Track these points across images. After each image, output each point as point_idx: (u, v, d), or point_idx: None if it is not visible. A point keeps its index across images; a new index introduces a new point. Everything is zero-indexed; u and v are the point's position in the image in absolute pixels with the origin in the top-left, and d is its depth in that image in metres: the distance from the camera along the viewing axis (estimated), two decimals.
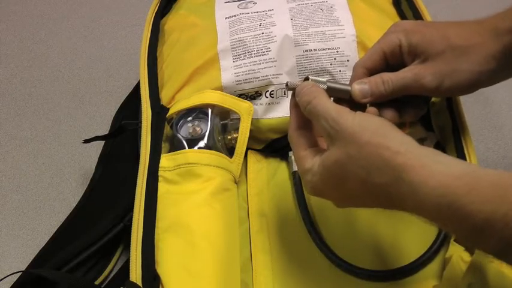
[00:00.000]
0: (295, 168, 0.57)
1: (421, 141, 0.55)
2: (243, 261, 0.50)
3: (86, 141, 0.61)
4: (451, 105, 0.55)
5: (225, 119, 0.55)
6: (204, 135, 0.52)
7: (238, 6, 0.59)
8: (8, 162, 0.70)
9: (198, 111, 0.53)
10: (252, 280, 0.49)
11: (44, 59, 0.84)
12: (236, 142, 0.53)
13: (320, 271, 0.49)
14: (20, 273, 0.54)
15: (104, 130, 0.72)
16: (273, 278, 0.50)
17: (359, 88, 0.45)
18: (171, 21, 0.62)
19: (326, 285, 0.49)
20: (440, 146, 0.55)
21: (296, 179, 0.56)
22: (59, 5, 0.94)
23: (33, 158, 0.70)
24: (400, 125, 0.54)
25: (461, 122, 0.54)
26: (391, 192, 0.35)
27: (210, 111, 0.53)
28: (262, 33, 0.56)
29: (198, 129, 0.52)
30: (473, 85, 0.45)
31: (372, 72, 0.47)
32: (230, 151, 0.54)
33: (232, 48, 0.55)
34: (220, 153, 0.51)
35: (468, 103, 0.76)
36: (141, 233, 0.46)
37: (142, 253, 0.45)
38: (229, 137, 0.53)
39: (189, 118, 0.53)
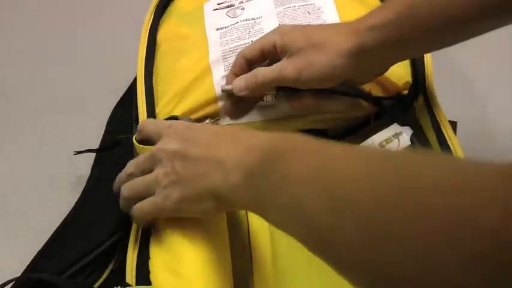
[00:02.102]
0: None
1: (397, 135, 0.56)
2: (244, 257, 0.50)
3: (78, 152, 0.61)
4: (428, 101, 0.57)
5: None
6: None
7: (227, 14, 0.59)
8: (8, 163, 0.70)
9: (169, 119, 0.51)
10: (253, 282, 0.49)
11: (44, 59, 0.84)
12: None
13: (319, 268, 0.49)
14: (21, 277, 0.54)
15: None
16: (274, 274, 0.50)
17: (236, 83, 0.52)
18: (161, 32, 0.62)
19: (325, 283, 0.49)
20: (416, 139, 0.56)
21: None
22: (59, 4, 0.94)
23: (33, 158, 0.70)
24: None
25: (439, 115, 0.55)
26: None
27: (179, 117, 0.51)
28: (252, 42, 0.56)
29: None
30: (328, 78, 0.50)
31: (250, 62, 0.53)
32: None
33: (224, 58, 0.56)
34: None
35: (468, 103, 0.76)
36: (138, 247, 0.46)
37: (137, 266, 0.45)
38: None
39: None
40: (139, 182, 0.46)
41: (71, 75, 0.82)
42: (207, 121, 0.52)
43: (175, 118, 0.50)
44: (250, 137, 0.40)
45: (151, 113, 0.56)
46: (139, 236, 0.48)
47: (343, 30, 0.49)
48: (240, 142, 0.40)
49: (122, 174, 0.48)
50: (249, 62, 0.53)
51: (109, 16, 0.92)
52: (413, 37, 0.47)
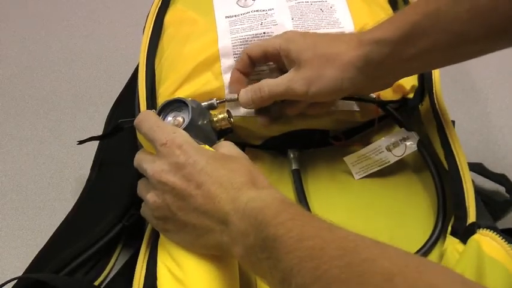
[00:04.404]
0: (294, 166, 0.57)
1: (403, 140, 0.56)
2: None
3: (81, 142, 0.61)
4: (434, 105, 0.57)
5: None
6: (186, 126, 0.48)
7: (237, 3, 0.59)
8: (8, 162, 0.70)
9: (175, 100, 0.50)
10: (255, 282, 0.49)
11: (44, 59, 0.84)
12: (224, 124, 0.50)
13: None
14: (19, 278, 0.54)
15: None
16: None
17: (243, 97, 0.52)
18: (168, 15, 0.62)
19: None
20: (422, 145, 0.56)
21: (296, 177, 0.56)
22: (59, 5, 0.94)
23: (33, 158, 0.70)
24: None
25: (445, 120, 0.55)
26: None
27: (186, 99, 0.50)
28: (264, 33, 0.56)
29: (180, 119, 0.49)
30: (337, 90, 0.49)
31: (253, 61, 0.53)
32: (220, 133, 0.52)
33: (234, 46, 0.55)
34: None
35: (469, 103, 0.76)
36: (145, 267, 0.46)
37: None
38: (215, 119, 0.50)
39: (169, 110, 0.50)
40: (140, 186, 0.46)
41: (71, 75, 0.81)
42: (213, 100, 0.52)
43: (181, 101, 0.49)
44: (247, 199, 0.39)
45: (151, 92, 0.55)
46: (151, 238, 0.48)
47: (349, 41, 0.48)
48: (237, 202, 0.39)
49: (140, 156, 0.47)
50: (252, 60, 0.53)
51: (109, 16, 0.92)
52: (419, 53, 0.46)
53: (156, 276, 0.43)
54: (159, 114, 0.49)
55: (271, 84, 0.50)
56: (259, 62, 0.54)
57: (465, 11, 0.43)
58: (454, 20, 0.44)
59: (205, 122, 0.49)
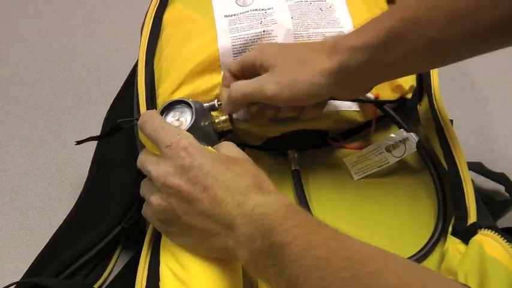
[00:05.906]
0: (294, 167, 0.58)
1: (403, 141, 0.56)
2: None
3: (79, 142, 0.60)
4: (432, 106, 0.57)
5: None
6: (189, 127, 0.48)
7: (236, 2, 0.59)
8: (8, 162, 0.70)
9: (178, 101, 0.50)
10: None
11: (44, 59, 0.84)
12: (226, 125, 0.51)
13: None
14: (18, 282, 0.53)
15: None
16: None
17: (222, 96, 0.52)
18: (167, 14, 0.62)
19: None
20: (421, 146, 0.56)
21: (296, 177, 0.56)
22: (59, 5, 0.94)
23: (33, 158, 0.70)
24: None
25: (443, 120, 0.55)
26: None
27: (190, 100, 0.50)
28: (264, 31, 0.56)
29: (183, 120, 0.49)
30: (311, 96, 0.48)
31: (235, 76, 0.53)
32: (221, 134, 0.52)
33: (233, 46, 0.55)
34: None
35: (468, 103, 0.76)
36: (147, 266, 0.45)
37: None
38: (216, 121, 0.50)
39: (171, 111, 0.50)
40: (144, 186, 0.46)
41: (71, 75, 0.82)
42: (214, 102, 0.52)
43: (185, 102, 0.49)
44: (254, 204, 0.39)
45: (150, 92, 0.55)
46: (153, 239, 0.48)
47: (323, 49, 0.48)
48: (244, 207, 0.39)
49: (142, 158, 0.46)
50: (234, 75, 0.53)
51: (109, 16, 0.92)
52: (396, 59, 0.45)
53: (158, 277, 0.43)
54: (161, 114, 0.49)
55: (240, 85, 0.50)
56: (240, 77, 0.53)
57: (443, 17, 0.42)
58: (431, 25, 0.43)
59: (207, 123, 0.50)
